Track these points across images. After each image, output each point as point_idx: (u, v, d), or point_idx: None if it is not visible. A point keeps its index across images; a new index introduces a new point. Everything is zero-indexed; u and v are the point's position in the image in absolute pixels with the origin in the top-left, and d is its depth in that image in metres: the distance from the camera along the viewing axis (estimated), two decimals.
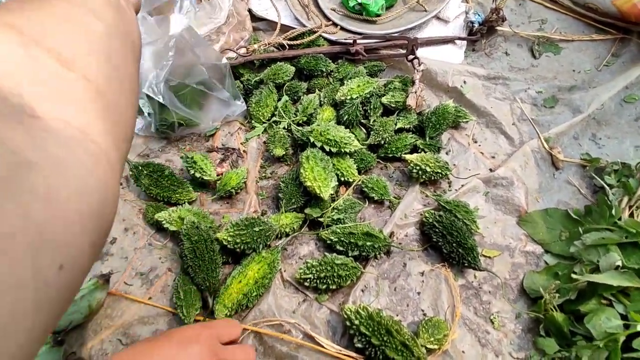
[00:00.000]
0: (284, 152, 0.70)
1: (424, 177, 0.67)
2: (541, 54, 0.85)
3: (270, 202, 0.68)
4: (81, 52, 0.27)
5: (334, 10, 0.89)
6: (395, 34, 0.83)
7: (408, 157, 0.67)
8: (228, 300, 0.54)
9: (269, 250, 0.59)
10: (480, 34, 0.85)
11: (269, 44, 0.79)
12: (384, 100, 0.73)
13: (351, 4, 0.86)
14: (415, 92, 0.73)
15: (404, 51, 0.82)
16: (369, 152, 0.70)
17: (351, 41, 0.80)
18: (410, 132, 0.73)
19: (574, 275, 0.54)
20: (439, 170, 0.66)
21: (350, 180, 0.67)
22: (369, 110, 0.74)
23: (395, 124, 0.72)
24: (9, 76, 0.21)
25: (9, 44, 0.23)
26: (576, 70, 0.82)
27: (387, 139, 0.70)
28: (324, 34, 0.83)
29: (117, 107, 0.29)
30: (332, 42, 0.84)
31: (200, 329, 0.45)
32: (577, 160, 0.70)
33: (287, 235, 0.62)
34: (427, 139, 0.71)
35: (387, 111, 0.75)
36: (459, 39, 0.86)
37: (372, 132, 0.71)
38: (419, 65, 0.76)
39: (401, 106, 0.74)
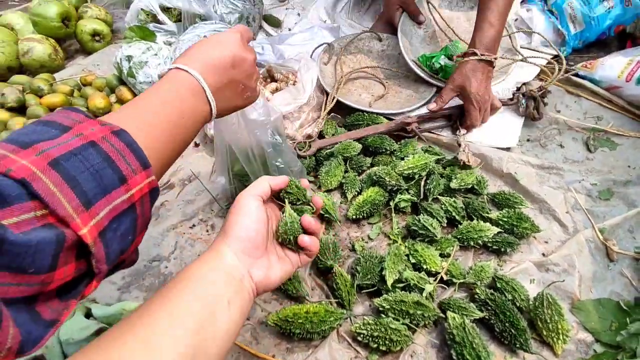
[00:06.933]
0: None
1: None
2: (596, 148, 0.90)
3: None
4: None
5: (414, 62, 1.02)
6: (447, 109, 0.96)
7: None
8: (282, 313, 0.63)
9: (337, 310, 0.65)
10: (526, 105, 0.95)
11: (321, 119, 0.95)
12: (453, 185, 0.81)
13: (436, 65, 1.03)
14: (464, 150, 0.82)
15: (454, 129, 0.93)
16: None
17: (407, 120, 0.92)
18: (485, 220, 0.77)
19: None
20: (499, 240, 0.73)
21: (432, 270, 0.70)
22: (431, 189, 0.80)
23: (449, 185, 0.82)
24: None
25: None
26: (631, 166, 0.85)
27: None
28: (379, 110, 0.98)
29: None
30: (390, 119, 0.96)
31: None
32: (631, 253, 0.72)
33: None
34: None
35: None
36: (505, 104, 0.97)
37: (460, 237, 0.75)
38: (460, 130, 0.88)
39: (469, 185, 0.81)
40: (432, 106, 0.93)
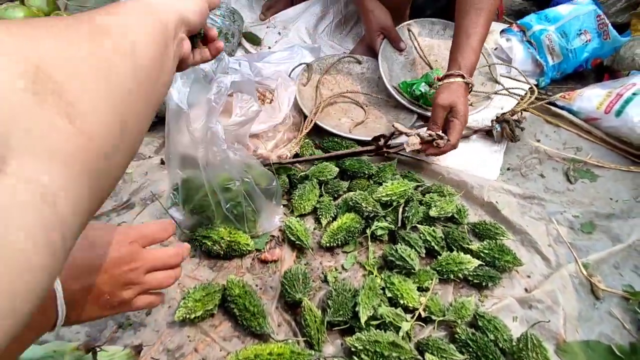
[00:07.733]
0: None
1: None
2: (576, 179, 0.88)
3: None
4: (94, 104, 0.24)
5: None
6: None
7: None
8: (242, 354, 0.57)
9: (304, 350, 0.59)
10: (501, 129, 0.93)
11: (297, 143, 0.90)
12: (432, 213, 0.76)
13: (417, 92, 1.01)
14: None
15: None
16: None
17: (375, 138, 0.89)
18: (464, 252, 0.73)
19: None
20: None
21: (410, 305, 0.64)
22: (409, 216, 0.76)
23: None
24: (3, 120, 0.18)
25: (18, 80, 0.20)
26: (613, 198, 0.83)
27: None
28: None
29: (107, 175, 0.25)
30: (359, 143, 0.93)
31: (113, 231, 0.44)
32: (619, 291, 0.68)
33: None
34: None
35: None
36: (476, 132, 0.94)
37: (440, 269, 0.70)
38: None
39: (449, 214, 0.77)
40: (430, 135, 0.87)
